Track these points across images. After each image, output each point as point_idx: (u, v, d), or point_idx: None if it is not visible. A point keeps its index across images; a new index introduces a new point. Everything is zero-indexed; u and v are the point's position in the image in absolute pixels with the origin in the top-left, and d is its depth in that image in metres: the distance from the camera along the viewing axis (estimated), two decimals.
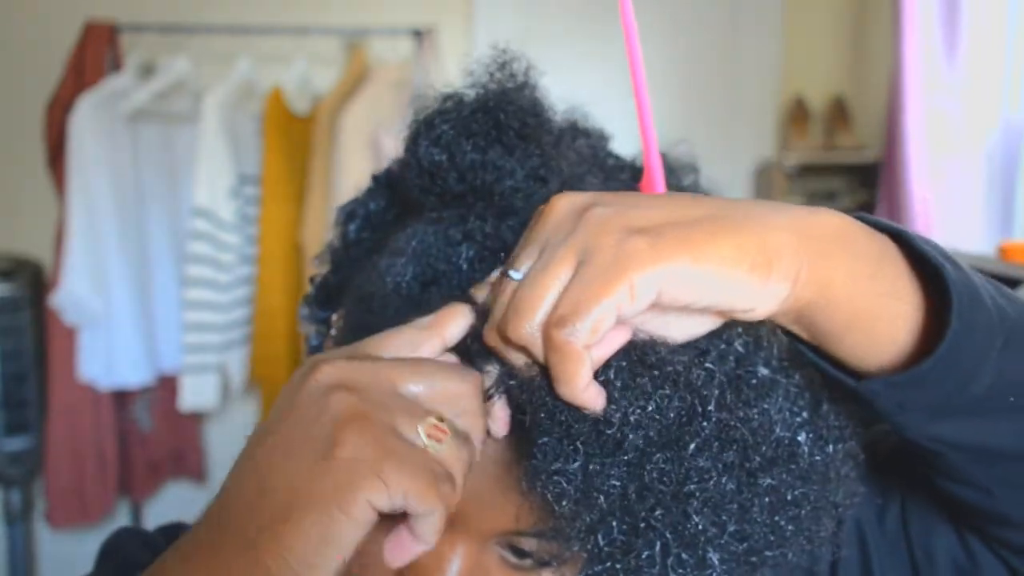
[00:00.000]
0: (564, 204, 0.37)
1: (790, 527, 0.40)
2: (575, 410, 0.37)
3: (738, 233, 0.35)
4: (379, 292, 0.45)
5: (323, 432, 0.35)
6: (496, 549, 0.44)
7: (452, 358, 0.41)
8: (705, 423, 0.37)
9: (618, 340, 0.36)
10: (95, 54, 2.07)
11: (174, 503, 2.41)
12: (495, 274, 0.41)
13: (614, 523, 0.38)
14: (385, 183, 0.54)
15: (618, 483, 0.38)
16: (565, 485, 0.38)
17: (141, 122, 2.11)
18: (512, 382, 0.39)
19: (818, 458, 0.40)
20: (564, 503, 0.38)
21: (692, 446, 0.37)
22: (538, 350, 0.36)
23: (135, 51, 2.14)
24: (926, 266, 0.39)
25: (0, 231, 2.30)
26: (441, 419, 0.37)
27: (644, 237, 0.34)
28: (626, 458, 0.37)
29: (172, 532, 0.60)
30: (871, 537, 0.52)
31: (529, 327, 0.36)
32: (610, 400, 0.37)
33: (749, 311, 0.36)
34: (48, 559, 2.37)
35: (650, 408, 0.37)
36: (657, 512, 0.38)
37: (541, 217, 0.38)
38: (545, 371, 0.37)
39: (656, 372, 0.37)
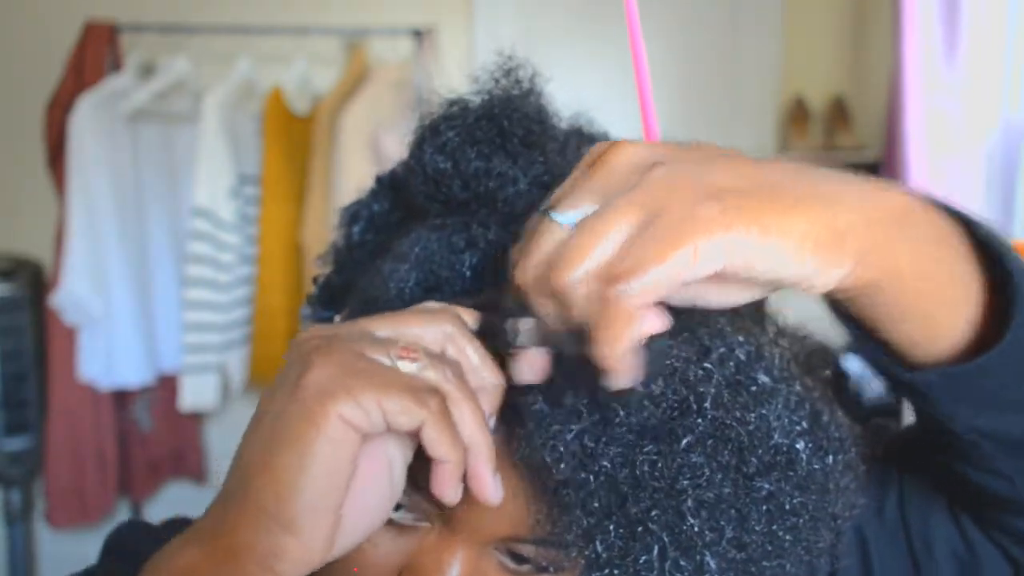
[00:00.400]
0: (627, 155, 0.35)
1: (788, 537, 0.40)
2: (588, 375, 0.35)
3: (809, 209, 0.34)
4: (382, 297, 0.45)
5: (293, 368, 0.36)
6: (495, 554, 0.44)
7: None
8: (700, 420, 0.37)
9: (659, 323, 0.34)
10: (95, 54, 2.07)
11: (174, 503, 2.41)
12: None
13: (611, 527, 0.38)
14: (389, 185, 0.54)
15: (609, 465, 0.38)
16: (561, 450, 0.38)
17: (141, 122, 2.11)
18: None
19: (817, 467, 0.40)
20: (559, 474, 0.38)
21: (685, 441, 0.37)
22: (578, 303, 0.33)
23: (135, 51, 2.14)
24: (987, 252, 0.38)
25: (0, 231, 2.30)
26: (411, 344, 0.37)
27: (715, 202, 0.33)
28: (617, 436, 0.37)
29: (176, 526, 0.60)
30: (870, 532, 0.52)
31: (576, 275, 0.33)
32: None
33: (809, 288, 0.35)
34: (48, 559, 2.37)
35: (641, 390, 0.37)
36: (653, 513, 0.38)
37: (598, 165, 0.35)
38: (573, 330, 0.35)
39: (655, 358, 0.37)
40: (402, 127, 2.10)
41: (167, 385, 2.20)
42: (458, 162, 0.45)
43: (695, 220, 0.32)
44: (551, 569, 0.43)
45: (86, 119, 1.97)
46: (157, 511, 2.41)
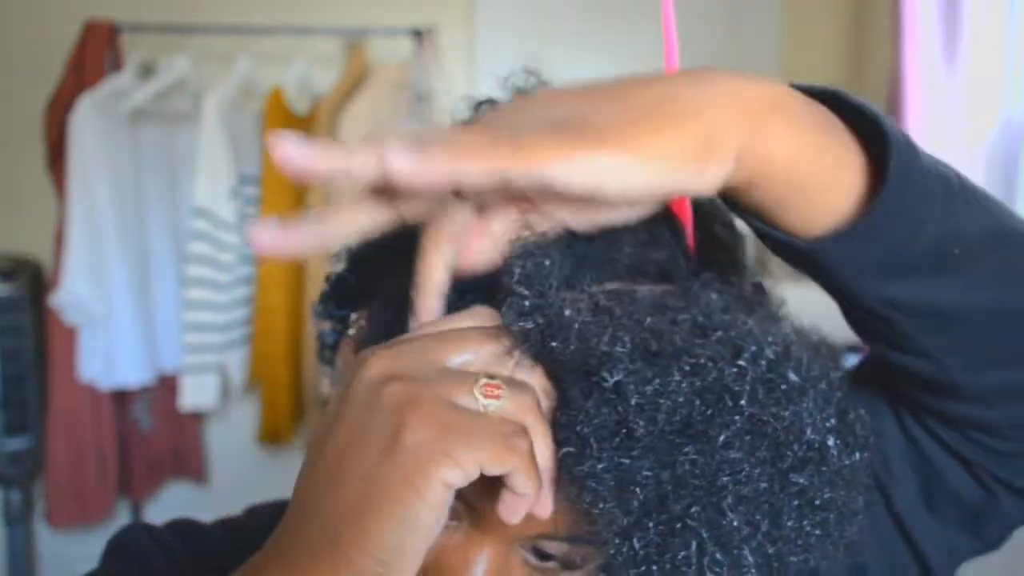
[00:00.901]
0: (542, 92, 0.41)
1: (817, 532, 0.40)
2: (588, 410, 0.37)
3: (683, 123, 0.36)
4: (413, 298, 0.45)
5: (384, 423, 0.35)
6: (520, 551, 0.44)
7: (490, 312, 0.41)
8: (737, 417, 0.38)
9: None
10: (95, 54, 2.07)
11: (174, 503, 2.41)
12: None
13: (650, 524, 0.39)
14: None
15: (651, 474, 0.38)
16: (597, 487, 0.38)
17: (141, 122, 2.11)
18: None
19: (846, 463, 0.40)
20: (601, 505, 0.38)
21: (722, 438, 0.37)
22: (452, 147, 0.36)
23: (135, 51, 2.14)
24: (863, 123, 0.40)
25: (0, 231, 2.30)
26: (491, 376, 0.37)
27: (590, 132, 0.35)
28: (647, 447, 0.38)
29: (183, 529, 0.60)
30: None
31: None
32: (616, 390, 0.37)
33: (695, 192, 0.37)
34: (48, 559, 2.37)
35: (649, 391, 0.37)
36: (693, 509, 0.38)
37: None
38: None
39: (663, 359, 0.37)
40: (402, 127, 2.10)
41: (167, 385, 2.20)
42: None
43: (583, 132, 0.35)
44: (578, 565, 0.43)
45: (86, 119, 1.97)
46: (157, 511, 2.41)
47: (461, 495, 0.39)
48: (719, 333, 0.39)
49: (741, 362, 0.38)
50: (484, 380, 0.37)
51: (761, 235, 0.42)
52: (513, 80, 0.49)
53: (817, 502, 0.40)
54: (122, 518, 2.36)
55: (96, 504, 2.16)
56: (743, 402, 0.38)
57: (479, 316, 0.40)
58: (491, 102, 0.48)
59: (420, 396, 0.35)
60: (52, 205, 2.13)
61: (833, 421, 0.40)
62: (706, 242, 0.49)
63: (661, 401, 0.37)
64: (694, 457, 0.38)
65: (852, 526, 0.42)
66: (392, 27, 2.25)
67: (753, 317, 0.42)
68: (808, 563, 0.41)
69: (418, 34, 2.20)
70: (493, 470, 0.35)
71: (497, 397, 0.36)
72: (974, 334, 0.43)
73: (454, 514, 0.43)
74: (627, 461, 0.38)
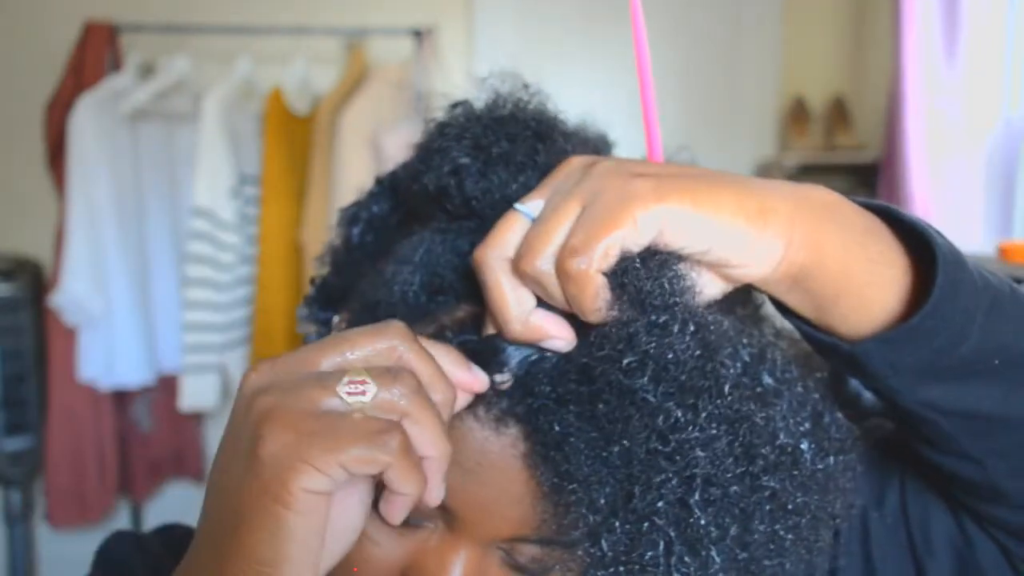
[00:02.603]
0: (576, 159, 0.41)
1: (789, 536, 0.40)
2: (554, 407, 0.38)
3: (737, 190, 0.37)
4: (385, 300, 0.45)
5: (247, 436, 0.35)
6: (498, 554, 0.44)
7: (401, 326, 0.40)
8: (719, 399, 0.38)
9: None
10: (95, 54, 2.07)
11: (174, 503, 2.41)
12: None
13: (617, 524, 0.39)
14: (389, 186, 0.54)
15: (617, 469, 0.38)
16: (565, 485, 0.38)
17: (141, 122, 2.11)
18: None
19: (819, 468, 0.41)
20: (569, 502, 0.38)
21: (703, 416, 0.38)
22: (550, 284, 0.38)
23: (135, 51, 2.14)
24: (912, 238, 0.41)
25: (0, 231, 2.30)
26: (359, 372, 0.36)
27: (647, 179, 0.37)
28: (616, 441, 0.38)
29: (168, 533, 0.60)
30: (872, 523, 0.52)
31: (542, 262, 0.37)
32: (620, 338, 0.38)
33: (745, 267, 0.37)
34: (48, 559, 2.37)
35: (660, 346, 0.37)
36: (660, 506, 0.38)
37: (555, 171, 0.41)
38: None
39: (668, 322, 0.38)
40: (402, 127, 2.10)
41: (167, 385, 2.20)
42: (463, 182, 0.45)
43: (632, 195, 0.36)
44: (555, 568, 0.43)
45: (86, 119, 1.97)
46: (157, 511, 2.41)
47: None
48: (697, 334, 0.39)
49: (717, 361, 0.38)
50: (348, 378, 0.36)
51: (805, 335, 0.42)
52: (491, 82, 0.49)
53: (789, 506, 0.40)
54: (122, 518, 2.36)
55: (96, 504, 2.16)
56: (726, 389, 0.38)
57: (390, 330, 0.39)
58: (466, 103, 0.48)
59: (279, 405, 0.35)
60: (52, 205, 2.13)
61: (808, 425, 0.41)
62: None
63: (634, 398, 0.37)
64: (673, 423, 0.38)
65: (827, 530, 0.42)
66: (392, 27, 2.25)
67: (731, 317, 0.42)
68: (784, 567, 0.41)
69: (418, 34, 2.20)
70: (360, 471, 0.34)
71: (363, 393, 0.35)
72: (1018, 440, 0.43)
73: (429, 516, 0.43)
74: (594, 459, 0.38)
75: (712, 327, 0.39)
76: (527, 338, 0.39)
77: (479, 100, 0.48)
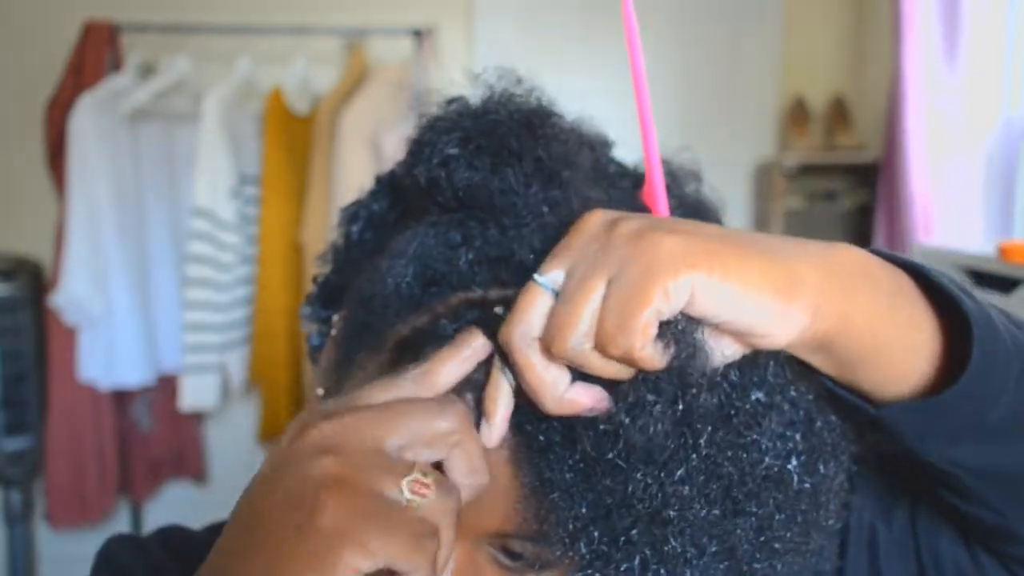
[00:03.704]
0: (595, 218, 0.38)
1: (776, 545, 0.40)
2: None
3: (765, 259, 0.36)
4: (380, 293, 0.45)
5: (306, 497, 0.35)
6: (489, 549, 0.44)
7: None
8: (694, 455, 0.38)
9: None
10: (95, 54, 2.07)
11: (174, 503, 2.41)
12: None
13: (596, 533, 0.39)
14: (388, 184, 0.54)
15: (599, 486, 0.38)
16: (548, 490, 0.39)
17: (141, 122, 2.11)
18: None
19: (807, 484, 0.40)
20: (551, 505, 0.39)
21: (678, 473, 0.38)
22: (587, 363, 0.37)
23: (135, 51, 2.14)
24: (941, 297, 0.40)
25: (0, 231, 2.30)
26: (425, 473, 0.37)
27: (674, 241, 0.35)
28: (613, 463, 0.38)
29: (167, 535, 0.60)
30: (880, 533, 0.52)
31: (574, 344, 0.36)
32: (621, 397, 0.38)
33: (768, 336, 0.37)
34: (48, 559, 2.37)
35: (655, 412, 0.37)
36: (634, 531, 0.38)
37: (572, 230, 0.39)
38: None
39: (659, 391, 0.38)
40: (402, 127, 2.10)
41: (167, 385, 2.20)
42: (452, 173, 0.45)
43: (659, 263, 0.35)
44: (544, 566, 0.43)
45: (86, 119, 1.97)
46: (157, 511, 2.41)
47: None
48: (683, 407, 0.39)
49: (703, 397, 0.38)
50: (417, 476, 0.37)
51: (828, 391, 0.42)
52: (486, 77, 0.49)
53: (774, 523, 0.39)
54: (122, 518, 2.36)
55: (96, 504, 2.16)
56: (702, 441, 0.38)
57: (453, 414, 0.40)
58: (462, 99, 0.48)
59: (347, 479, 0.35)
60: (52, 205, 2.13)
61: (797, 438, 0.40)
62: None
63: (623, 430, 0.37)
64: (647, 482, 0.38)
65: (820, 533, 0.42)
66: (392, 27, 2.25)
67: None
68: (776, 568, 0.41)
69: (418, 34, 2.21)
70: (400, 566, 0.35)
71: (423, 495, 0.36)
72: None
73: None
74: (575, 474, 0.39)
75: (701, 396, 0.38)
76: (565, 412, 0.39)
77: (474, 96, 0.48)
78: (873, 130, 2.49)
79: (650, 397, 0.37)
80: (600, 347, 0.36)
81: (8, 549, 2.24)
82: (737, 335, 0.37)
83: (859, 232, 2.48)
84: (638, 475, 0.38)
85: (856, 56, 2.65)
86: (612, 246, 0.36)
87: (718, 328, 0.37)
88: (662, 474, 0.38)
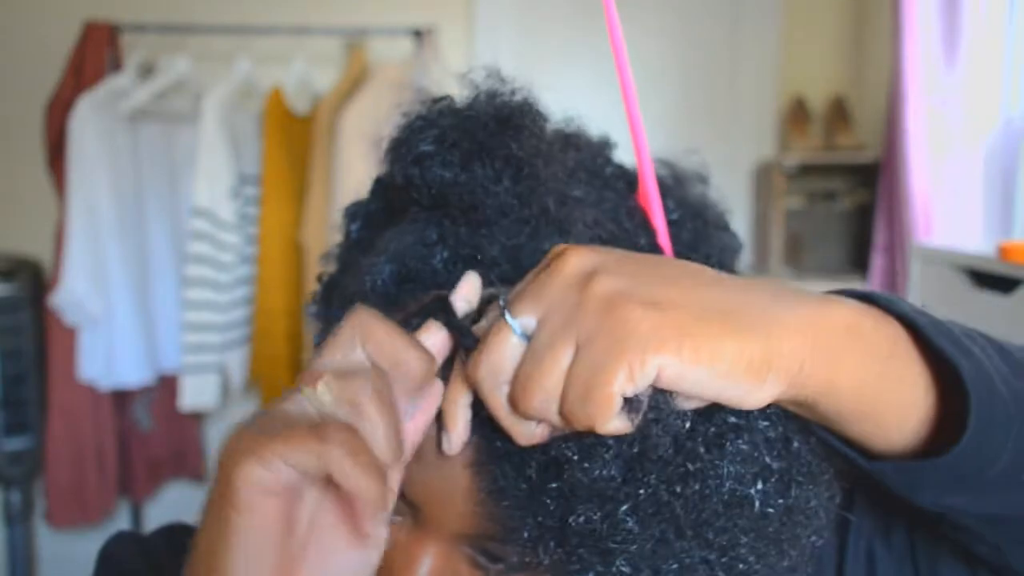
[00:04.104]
0: (572, 266, 0.37)
1: (741, 566, 0.40)
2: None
3: (743, 336, 0.35)
4: (359, 291, 0.46)
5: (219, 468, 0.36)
6: (466, 551, 0.44)
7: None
8: (641, 491, 0.38)
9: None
10: (95, 54, 2.07)
11: (174, 503, 2.41)
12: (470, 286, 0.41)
13: (551, 542, 0.39)
14: (382, 184, 0.55)
15: (552, 508, 0.38)
16: (507, 496, 0.39)
17: (141, 122, 2.11)
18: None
19: (772, 510, 0.39)
20: (508, 512, 0.39)
21: (623, 508, 0.37)
22: (552, 422, 0.37)
23: (135, 51, 2.14)
24: (937, 352, 0.39)
25: (0, 231, 2.30)
26: (315, 372, 0.36)
27: (647, 317, 0.34)
28: (558, 490, 0.38)
29: (170, 533, 0.60)
30: (878, 550, 0.52)
31: (538, 405, 0.36)
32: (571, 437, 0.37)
33: (739, 405, 0.36)
34: (48, 559, 2.37)
35: (606, 456, 0.37)
36: (582, 550, 0.38)
37: (548, 271, 0.37)
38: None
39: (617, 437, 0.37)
40: (390, 126, 2.10)
41: (167, 385, 2.20)
42: (425, 172, 0.45)
43: (627, 341, 0.34)
44: (522, 568, 0.43)
45: (86, 119, 1.97)
46: (157, 511, 2.41)
47: (401, 493, 0.40)
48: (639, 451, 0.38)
49: (658, 431, 0.37)
50: (304, 377, 0.36)
51: (822, 441, 0.41)
52: (472, 77, 0.49)
53: (736, 547, 0.39)
54: (122, 518, 2.36)
55: (96, 504, 2.16)
56: (651, 478, 0.37)
57: (351, 319, 0.40)
58: (448, 98, 0.48)
59: (256, 415, 0.36)
60: (52, 205, 2.13)
61: (766, 459, 0.39)
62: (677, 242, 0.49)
63: (569, 466, 0.37)
64: (587, 516, 0.38)
65: (798, 549, 0.41)
66: (392, 27, 2.25)
67: None
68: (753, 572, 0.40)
69: (418, 34, 2.21)
70: (304, 466, 0.33)
71: (316, 386, 0.35)
72: None
73: (398, 511, 0.44)
74: (527, 486, 0.39)
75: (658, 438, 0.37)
76: (535, 443, 0.39)
77: (462, 96, 0.48)
78: (873, 130, 2.48)
79: (607, 441, 0.37)
80: (563, 414, 0.36)
81: (8, 549, 2.24)
82: (705, 401, 0.37)
83: (859, 232, 2.48)
84: (579, 507, 0.38)
85: (856, 56, 2.65)
86: (585, 308, 0.35)
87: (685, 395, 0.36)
88: (604, 510, 0.37)
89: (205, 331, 2.09)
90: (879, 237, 2.21)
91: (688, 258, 0.46)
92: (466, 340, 0.39)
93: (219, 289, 2.10)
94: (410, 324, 0.42)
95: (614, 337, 0.34)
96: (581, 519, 0.38)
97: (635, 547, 0.38)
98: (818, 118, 2.63)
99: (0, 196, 2.32)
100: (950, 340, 0.38)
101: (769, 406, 0.39)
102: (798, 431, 0.40)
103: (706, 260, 0.48)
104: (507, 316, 0.37)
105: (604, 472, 0.37)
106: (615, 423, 0.35)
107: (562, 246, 0.38)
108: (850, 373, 0.37)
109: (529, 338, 0.37)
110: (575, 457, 0.37)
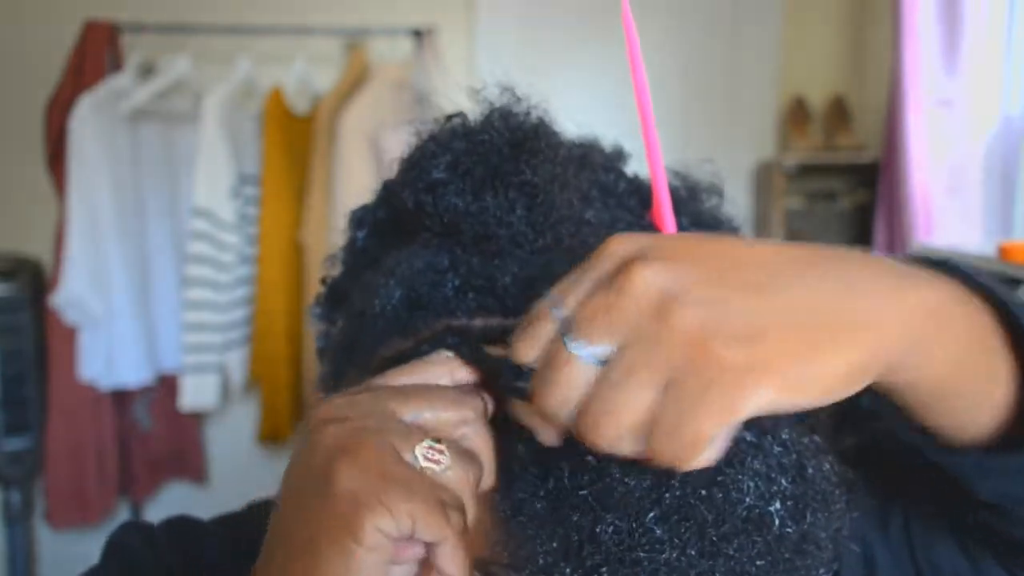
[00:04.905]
0: (644, 287, 0.33)
1: None
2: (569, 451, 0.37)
3: (839, 350, 0.32)
4: (369, 311, 0.45)
5: (319, 467, 0.35)
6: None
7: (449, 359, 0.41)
8: (667, 495, 0.37)
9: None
10: (95, 54, 2.07)
11: (174, 503, 2.41)
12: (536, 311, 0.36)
13: (567, 569, 0.39)
14: (388, 192, 0.54)
15: (572, 520, 0.38)
16: (522, 521, 0.39)
17: (141, 122, 2.11)
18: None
19: (790, 529, 0.38)
20: (523, 537, 0.39)
21: (650, 515, 0.37)
22: (621, 452, 0.34)
23: (135, 51, 2.14)
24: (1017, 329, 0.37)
25: (0, 231, 2.30)
26: (439, 441, 0.37)
27: (743, 349, 0.31)
28: (584, 499, 0.38)
29: (175, 527, 0.60)
30: (876, 547, 0.52)
31: (613, 437, 0.33)
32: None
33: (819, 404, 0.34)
34: (48, 559, 2.37)
35: (641, 473, 0.37)
36: (604, 569, 0.38)
37: (618, 292, 0.33)
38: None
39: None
40: (403, 127, 2.10)
41: (167, 385, 2.20)
42: (438, 200, 0.44)
43: (723, 379, 0.31)
44: None
45: (86, 119, 1.97)
46: (157, 511, 2.41)
47: None
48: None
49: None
50: (429, 442, 0.36)
51: (899, 433, 0.40)
52: (487, 93, 0.48)
53: (752, 568, 0.38)
54: (122, 518, 2.35)
55: (96, 504, 2.16)
56: (675, 482, 0.37)
57: (441, 365, 0.40)
58: (461, 116, 0.47)
59: (359, 441, 0.35)
60: (52, 205, 2.13)
61: (784, 482, 0.38)
62: None
63: (599, 473, 0.37)
64: (615, 524, 0.37)
65: (808, 570, 0.40)
66: (392, 27, 2.25)
67: None
68: None
69: (418, 34, 2.20)
70: (424, 533, 0.34)
71: (438, 463, 0.36)
72: None
73: None
74: (546, 503, 0.38)
75: None
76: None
77: (474, 112, 0.48)
78: (873, 130, 2.48)
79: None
80: (648, 451, 0.33)
81: (8, 549, 2.24)
82: None
83: (859, 232, 2.48)
84: (608, 516, 0.37)
85: (856, 56, 2.65)
86: (671, 344, 0.32)
87: None
88: (634, 516, 0.37)
89: (205, 331, 2.09)
90: (879, 237, 2.21)
91: None
92: (513, 381, 0.37)
93: (219, 289, 2.10)
94: (419, 352, 0.42)
95: (707, 377, 0.32)
96: (610, 528, 0.37)
97: (662, 557, 0.37)
98: (818, 118, 2.63)
99: (0, 196, 2.32)
100: None
101: (783, 431, 0.38)
102: (812, 456, 0.39)
103: None
104: (577, 347, 0.34)
105: (642, 481, 0.37)
106: (703, 459, 0.33)
107: (617, 243, 0.35)
108: (939, 357, 0.35)
109: (602, 362, 0.34)
110: (616, 473, 0.37)
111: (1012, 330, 0.37)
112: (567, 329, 0.34)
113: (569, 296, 0.35)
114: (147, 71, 2.16)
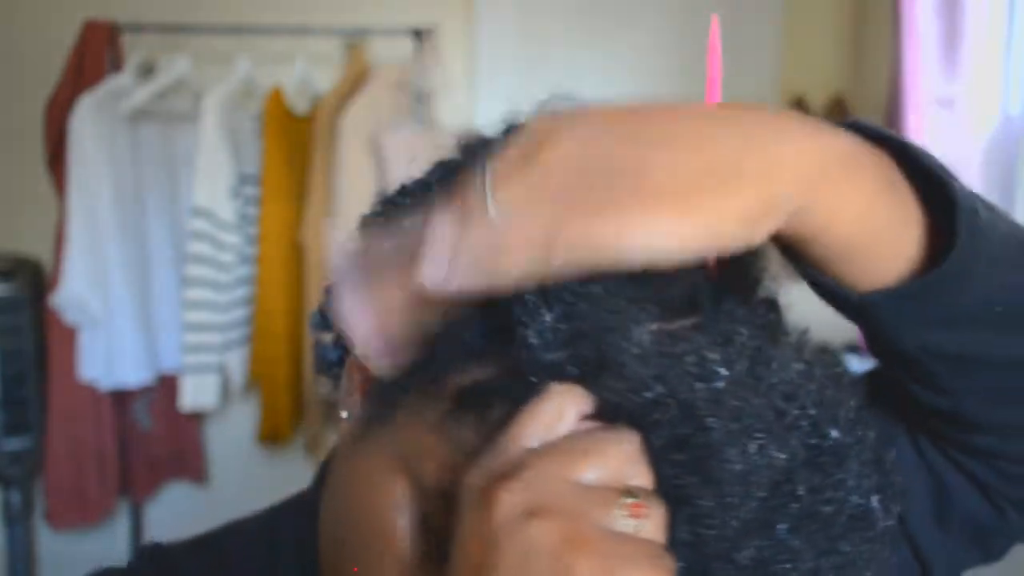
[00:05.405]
0: (562, 151, 0.35)
1: None
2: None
3: (745, 188, 0.34)
4: (440, 334, 0.43)
5: (544, 566, 0.32)
6: None
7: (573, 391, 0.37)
8: (794, 504, 0.36)
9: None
10: (95, 54, 2.07)
11: (174, 503, 2.41)
12: None
13: None
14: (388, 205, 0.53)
15: (710, 554, 0.36)
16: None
17: (141, 122, 2.11)
18: None
19: (891, 523, 0.39)
20: None
21: (780, 528, 0.36)
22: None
23: (135, 51, 2.14)
24: (925, 177, 0.39)
25: (0, 231, 2.30)
26: (633, 494, 0.34)
27: (629, 183, 0.33)
28: (719, 533, 0.36)
29: (148, 559, 0.56)
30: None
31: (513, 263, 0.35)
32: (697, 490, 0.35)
33: (733, 247, 0.35)
34: (48, 559, 2.37)
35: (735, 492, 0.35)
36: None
37: (532, 165, 0.35)
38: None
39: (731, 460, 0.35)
40: (402, 127, 2.10)
41: (167, 385, 2.20)
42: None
43: (606, 213, 0.33)
44: None
45: (86, 119, 1.97)
46: (157, 511, 2.41)
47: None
48: (760, 401, 0.36)
49: (793, 440, 0.36)
50: (629, 500, 0.33)
51: (811, 282, 0.40)
52: (512, 118, 0.45)
53: (858, 563, 0.38)
54: (122, 518, 2.36)
55: (96, 504, 2.16)
56: (799, 490, 0.36)
57: (571, 398, 0.36)
58: (483, 141, 0.45)
59: (577, 533, 0.32)
60: (52, 205, 2.13)
61: (875, 477, 0.38)
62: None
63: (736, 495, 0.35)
64: (756, 548, 0.36)
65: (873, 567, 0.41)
66: (392, 27, 2.25)
67: (790, 350, 0.39)
68: None
69: (418, 34, 2.20)
70: None
71: (644, 516, 0.33)
72: (995, 377, 0.43)
73: None
74: (692, 538, 0.36)
75: (777, 386, 0.36)
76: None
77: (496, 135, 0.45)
78: None
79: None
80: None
81: (8, 549, 2.24)
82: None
83: None
84: (743, 541, 0.36)
85: (856, 56, 2.65)
86: (595, 142, 0.35)
87: None
88: (770, 534, 0.36)
89: (205, 331, 2.09)
90: None
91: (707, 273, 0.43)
92: None
93: (219, 289, 2.10)
94: (506, 384, 0.38)
95: (596, 200, 0.33)
96: (751, 551, 0.36)
97: (803, 565, 0.36)
98: (818, 118, 2.63)
99: (0, 196, 2.32)
100: (936, 164, 0.39)
101: (862, 427, 0.38)
102: (883, 449, 0.40)
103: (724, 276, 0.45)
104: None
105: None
106: (548, 263, 0.33)
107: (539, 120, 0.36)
108: (849, 203, 0.36)
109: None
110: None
111: (916, 176, 0.39)
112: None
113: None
114: (147, 71, 2.16)
